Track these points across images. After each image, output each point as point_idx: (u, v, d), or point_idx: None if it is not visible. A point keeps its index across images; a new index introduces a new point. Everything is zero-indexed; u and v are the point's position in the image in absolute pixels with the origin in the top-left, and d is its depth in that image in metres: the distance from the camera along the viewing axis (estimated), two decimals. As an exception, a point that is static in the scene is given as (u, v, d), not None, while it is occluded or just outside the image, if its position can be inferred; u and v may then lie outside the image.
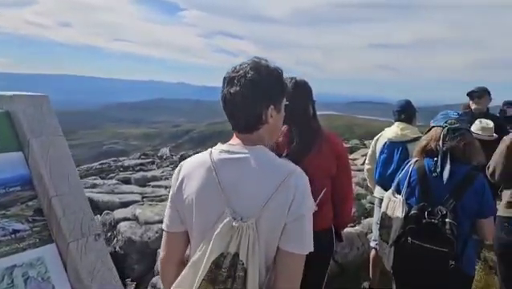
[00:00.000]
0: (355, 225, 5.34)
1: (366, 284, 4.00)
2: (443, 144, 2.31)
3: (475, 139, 2.41)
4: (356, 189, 6.70)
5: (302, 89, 2.29)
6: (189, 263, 1.38)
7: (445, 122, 2.39)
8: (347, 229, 4.71)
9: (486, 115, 4.26)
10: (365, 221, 5.34)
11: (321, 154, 2.21)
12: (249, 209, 1.33)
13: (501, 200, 2.88)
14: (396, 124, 3.61)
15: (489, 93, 4.38)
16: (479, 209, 2.27)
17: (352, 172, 7.93)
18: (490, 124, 3.89)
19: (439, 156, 2.30)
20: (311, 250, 1.39)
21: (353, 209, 6.31)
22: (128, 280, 3.92)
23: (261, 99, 1.38)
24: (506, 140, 2.72)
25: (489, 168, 2.83)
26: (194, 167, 1.45)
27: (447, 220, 2.15)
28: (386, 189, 3.43)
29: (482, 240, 2.56)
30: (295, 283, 1.37)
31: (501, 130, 3.81)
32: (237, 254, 1.29)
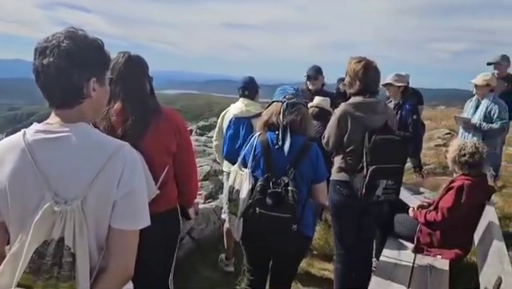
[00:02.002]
0: (211, 201, 5.47)
1: (223, 256, 4.14)
2: (283, 118, 2.47)
3: (309, 112, 2.64)
4: (214, 165, 6.86)
5: (136, 65, 2.17)
6: (7, 257, 1.26)
7: (284, 97, 2.54)
8: (203, 205, 4.80)
9: (321, 92, 4.74)
10: (221, 196, 5.50)
11: (159, 132, 2.14)
12: (73, 190, 1.25)
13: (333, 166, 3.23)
14: (241, 100, 3.78)
15: (321, 73, 4.92)
16: (314, 175, 2.51)
17: (210, 150, 7.99)
18: (326, 98, 4.30)
19: (280, 130, 2.46)
20: (147, 224, 1.36)
21: (211, 186, 6.48)
22: None
23: (79, 70, 1.28)
24: (337, 112, 3.04)
25: (324, 137, 3.14)
26: (5, 151, 1.29)
27: (289, 188, 2.34)
28: (234, 164, 3.59)
29: (319, 203, 2.84)
30: (130, 260, 1.34)
31: (334, 105, 4.25)
32: (62, 240, 1.22)
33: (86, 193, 1.25)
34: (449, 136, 10.53)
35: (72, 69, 1.26)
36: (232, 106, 3.82)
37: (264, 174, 2.43)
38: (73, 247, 1.22)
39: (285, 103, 2.50)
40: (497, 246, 2.68)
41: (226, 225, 3.99)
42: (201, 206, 4.67)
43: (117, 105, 2.09)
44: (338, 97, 5.60)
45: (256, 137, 2.57)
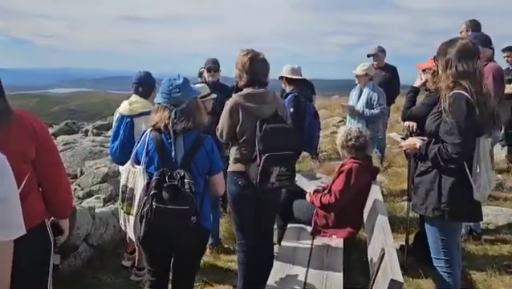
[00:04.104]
0: (110, 204, 5.21)
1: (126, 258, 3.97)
2: (173, 125, 2.40)
3: (202, 107, 2.61)
4: (112, 166, 6.53)
5: None
6: None
7: (171, 104, 2.44)
8: (101, 209, 4.55)
9: (218, 84, 4.76)
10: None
11: (11, 137, 1.86)
12: None
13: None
14: (132, 96, 3.61)
15: (219, 65, 4.95)
16: (210, 167, 2.51)
17: (107, 150, 7.59)
18: (201, 85, 4.24)
19: (171, 133, 2.41)
20: (23, 232, 1.26)
21: (110, 188, 6.15)
22: None
23: None
24: (228, 104, 3.09)
25: (218, 129, 3.15)
26: None
27: (186, 180, 2.30)
28: (119, 164, 3.51)
29: (217, 195, 2.85)
30: (4, 275, 1.22)
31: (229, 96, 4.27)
32: None
33: None
34: (341, 123, 11.30)
35: None
36: (122, 103, 3.64)
37: (159, 169, 2.37)
38: None
39: (173, 112, 2.41)
40: (382, 220, 2.93)
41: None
42: (98, 210, 4.42)
43: None
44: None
45: (148, 133, 2.48)
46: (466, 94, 2.50)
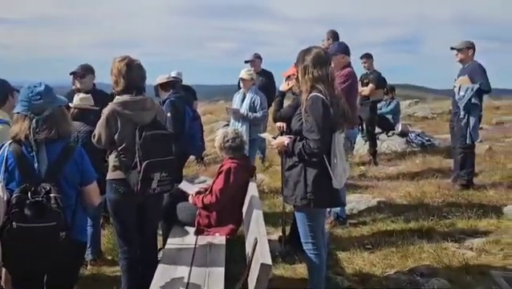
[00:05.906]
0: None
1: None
2: (34, 135, 2.29)
3: (68, 115, 2.54)
4: None
5: None
6: None
7: (32, 112, 2.33)
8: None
9: (93, 91, 4.61)
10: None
11: None
12: None
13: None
14: None
15: (91, 72, 4.80)
16: (81, 178, 2.46)
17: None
18: (87, 95, 4.14)
19: (33, 144, 2.29)
20: None
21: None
22: None
23: None
24: (105, 111, 3.04)
25: (95, 136, 3.08)
26: None
27: (51, 195, 2.19)
28: None
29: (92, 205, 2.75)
30: None
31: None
32: None
33: None
34: (227, 127, 11.62)
35: None
36: None
37: (20, 185, 2.22)
38: None
39: (34, 121, 2.30)
40: (256, 214, 3.17)
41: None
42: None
43: None
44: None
45: (6, 147, 2.31)
46: (322, 96, 2.87)
